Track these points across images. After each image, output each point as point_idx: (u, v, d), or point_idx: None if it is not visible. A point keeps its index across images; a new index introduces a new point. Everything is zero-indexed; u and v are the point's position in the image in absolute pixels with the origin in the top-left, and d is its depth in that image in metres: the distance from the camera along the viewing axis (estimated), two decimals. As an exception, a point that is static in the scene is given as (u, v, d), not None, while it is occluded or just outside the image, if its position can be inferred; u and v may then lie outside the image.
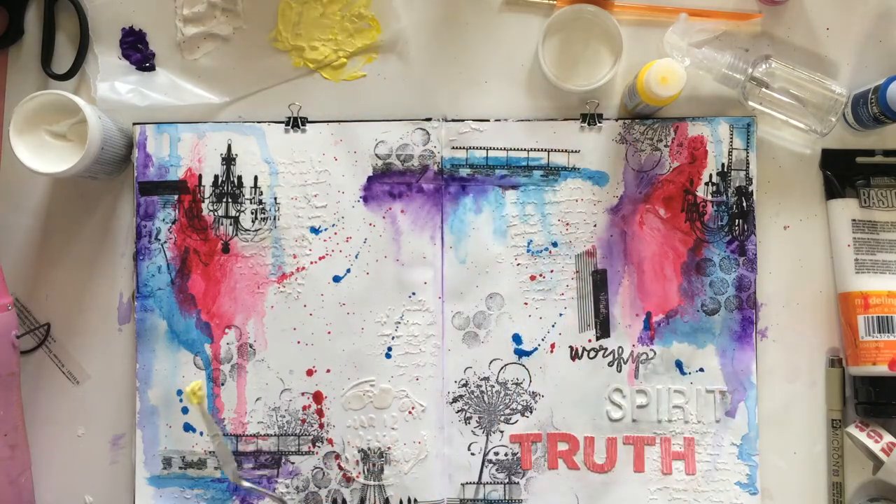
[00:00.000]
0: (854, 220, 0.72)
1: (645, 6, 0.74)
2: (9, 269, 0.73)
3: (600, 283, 0.72)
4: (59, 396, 0.74)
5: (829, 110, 0.70)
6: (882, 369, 0.69)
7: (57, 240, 0.74)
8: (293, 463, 0.72)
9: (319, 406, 0.72)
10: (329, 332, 0.72)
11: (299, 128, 0.73)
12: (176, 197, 0.73)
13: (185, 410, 0.72)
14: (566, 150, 0.73)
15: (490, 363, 0.72)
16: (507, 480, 0.72)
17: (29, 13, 0.75)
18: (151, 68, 0.74)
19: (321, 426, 0.72)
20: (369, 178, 0.73)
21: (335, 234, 0.73)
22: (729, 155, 0.72)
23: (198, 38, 0.74)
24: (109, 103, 0.73)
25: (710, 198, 0.72)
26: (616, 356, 0.72)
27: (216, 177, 0.73)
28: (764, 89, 0.70)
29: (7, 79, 0.75)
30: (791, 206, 0.73)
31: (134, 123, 0.73)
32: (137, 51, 0.74)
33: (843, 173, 0.72)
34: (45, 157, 0.68)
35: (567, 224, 0.73)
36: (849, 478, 0.72)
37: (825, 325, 0.73)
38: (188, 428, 0.72)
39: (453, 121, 0.73)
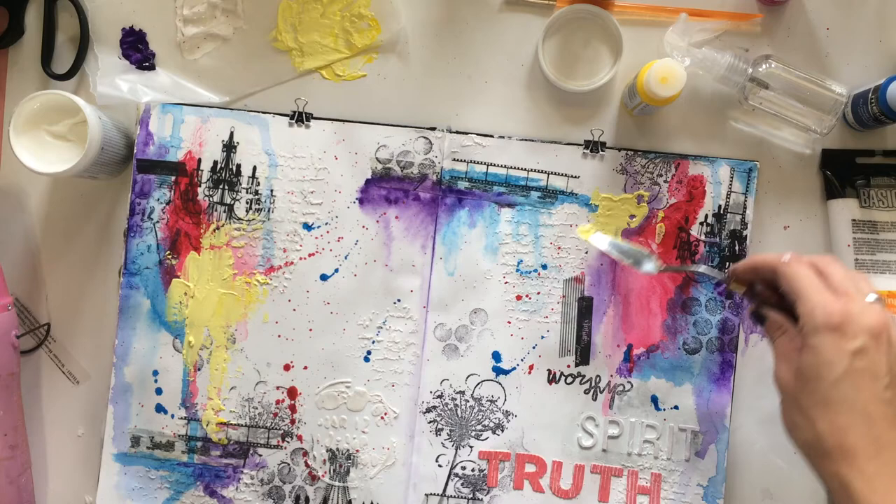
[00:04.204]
0: (854, 220, 0.72)
1: (645, 6, 0.74)
2: (9, 269, 0.73)
3: (585, 311, 0.73)
4: (59, 396, 0.74)
5: (829, 110, 0.70)
6: (882, 369, 0.69)
7: (57, 240, 0.74)
8: (260, 455, 0.72)
9: (293, 402, 0.72)
10: (310, 330, 0.72)
11: (303, 123, 0.73)
12: (173, 178, 0.73)
13: (158, 391, 0.72)
14: (566, 175, 0.73)
15: (467, 378, 0.72)
16: (471, 496, 0.72)
17: (29, 13, 0.74)
18: (151, 68, 0.74)
19: (292, 422, 0.72)
20: (367, 181, 0.73)
21: (327, 232, 0.73)
22: (727, 197, 0.72)
23: (198, 38, 0.74)
24: (110, 102, 0.73)
25: (703, 238, 0.72)
26: (593, 384, 0.72)
27: (215, 162, 0.73)
28: (764, 89, 0.70)
29: (7, 79, 0.75)
30: (791, 206, 0.74)
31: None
32: (137, 51, 0.74)
33: (843, 173, 0.72)
34: (45, 157, 0.68)
35: (559, 248, 0.73)
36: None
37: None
38: (160, 409, 0.72)
39: (457, 132, 0.73)
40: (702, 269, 0.68)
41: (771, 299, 0.63)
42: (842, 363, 0.55)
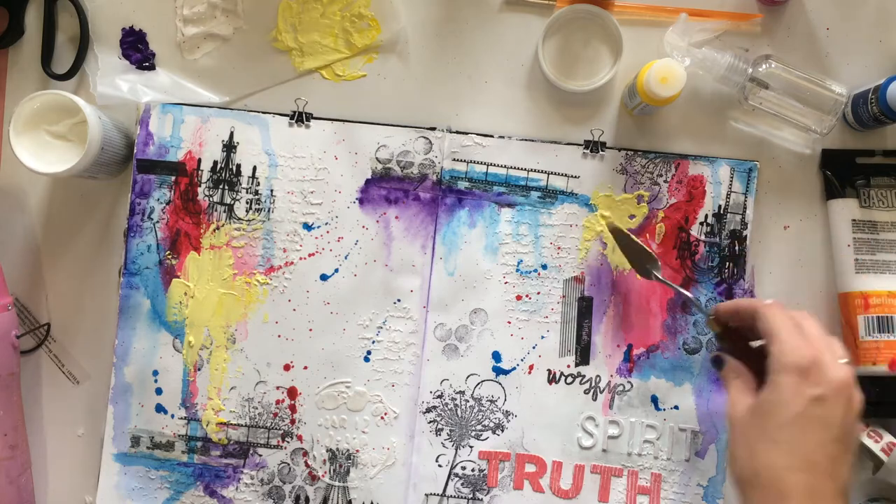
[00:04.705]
0: (854, 220, 0.72)
1: (645, 6, 0.74)
2: (9, 269, 0.73)
3: (585, 311, 0.73)
4: (59, 396, 0.74)
5: (829, 110, 0.70)
6: (882, 369, 0.69)
7: (57, 240, 0.74)
8: (260, 455, 0.72)
9: (293, 402, 0.72)
10: (310, 330, 0.72)
11: (303, 123, 0.73)
12: (173, 178, 0.73)
13: (158, 391, 0.72)
14: (566, 175, 0.73)
15: (467, 378, 0.72)
16: (471, 496, 0.72)
17: (29, 13, 0.74)
18: (151, 68, 0.74)
19: (292, 422, 0.72)
20: (367, 181, 0.73)
21: (327, 232, 0.73)
22: (727, 197, 0.72)
23: (198, 38, 0.74)
24: (109, 102, 0.73)
25: (703, 238, 0.72)
26: (593, 384, 0.72)
27: (215, 162, 0.73)
28: (764, 90, 0.70)
29: (7, 79, 0.74)
30: (791, 206, 0.74)
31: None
32: (137, 51, 0.74)
33: (843, 173, 0.72)
34: (45, 157, 0.68)
35: (559, 248, 0.73)
36: (850, 477, 0.72)
37: (825, 325, 0.72)
38: (160, 409, 0.72)
39: (457, 132, 0.73)
40: (690, 296, 0.69)
41: (738, 349, 0.65)
42: (798, 405, 0.56)
